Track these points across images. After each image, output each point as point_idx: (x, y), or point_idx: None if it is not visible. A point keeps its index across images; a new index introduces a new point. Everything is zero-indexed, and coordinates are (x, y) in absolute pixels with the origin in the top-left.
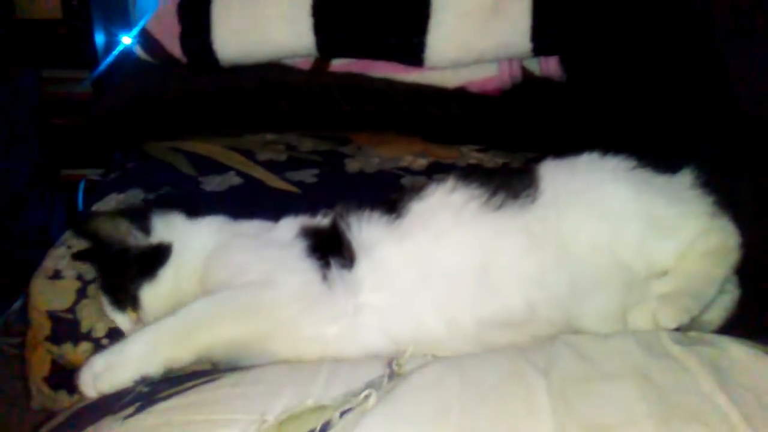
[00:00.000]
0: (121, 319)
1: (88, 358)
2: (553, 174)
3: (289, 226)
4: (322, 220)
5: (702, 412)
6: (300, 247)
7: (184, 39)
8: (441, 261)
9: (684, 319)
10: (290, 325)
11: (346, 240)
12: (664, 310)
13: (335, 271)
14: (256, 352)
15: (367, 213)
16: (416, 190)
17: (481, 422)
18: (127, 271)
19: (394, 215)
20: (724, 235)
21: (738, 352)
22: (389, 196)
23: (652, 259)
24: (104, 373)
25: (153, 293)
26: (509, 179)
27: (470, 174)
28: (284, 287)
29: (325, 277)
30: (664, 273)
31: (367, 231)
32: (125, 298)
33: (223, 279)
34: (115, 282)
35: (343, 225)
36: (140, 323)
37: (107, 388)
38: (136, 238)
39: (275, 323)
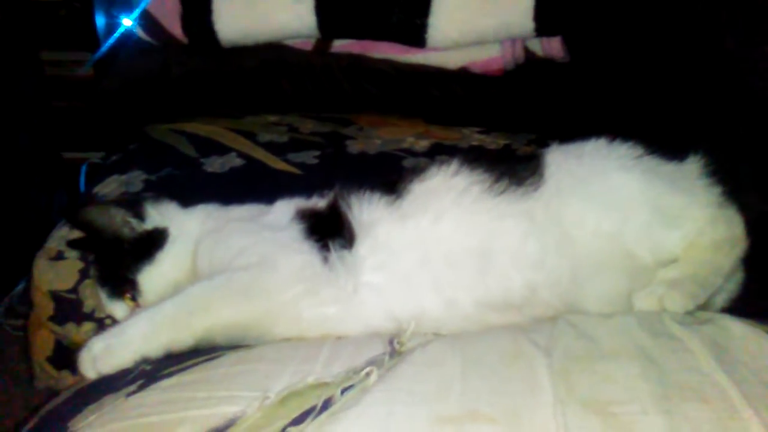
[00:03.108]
0: (119, 309)
1: (89, 338)
2: (559, 162)
3: (285, 209)
4: (318, 202)
5: (702, 391)
6: (297, 229)
7: (186, 20)
8: (441, 242)
9: (690, 305)
10: (291, 306)
11: (347, 220)
12: (671, 296)
13: (334, 252)
14: (256, 334)
15: (368, 193)
16: (418, 172)
17: (481, 400)
18: (125, 257)
19: (395, 196)
20: (731, 225)
21: (738, 330)
22: (391, 177)
23: (659, 248)
24: (104, 355)
25: (152, 276)
26: (514, 165)
27: (475, 158)
28: (285, 269)
29: (325, 259)
30: (672, 261)
31: (368, 211)
32: (124, 284)
33: (221, 263)
34: (113, 269)
35: (343, 205)
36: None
37: (107, 370)
38: (131, 226)
39: (277, 305)
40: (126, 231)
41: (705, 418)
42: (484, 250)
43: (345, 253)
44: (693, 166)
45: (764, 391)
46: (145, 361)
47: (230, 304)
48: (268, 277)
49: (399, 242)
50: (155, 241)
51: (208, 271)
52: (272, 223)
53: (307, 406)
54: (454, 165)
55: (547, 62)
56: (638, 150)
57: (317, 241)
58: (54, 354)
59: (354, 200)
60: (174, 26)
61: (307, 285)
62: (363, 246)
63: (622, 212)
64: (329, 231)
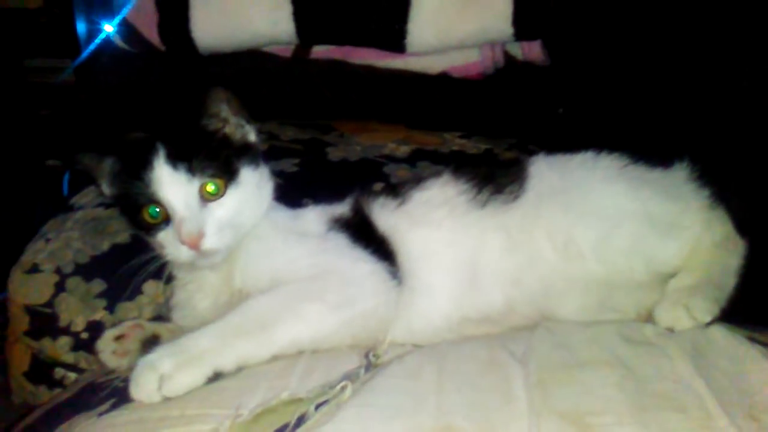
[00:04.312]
0: (179, 192)
1: (137, 361)
2: (542, 173)
3: (316, 217)
4: (344, 209)
5: (678, 399)
6: (343, 237)
7: (163, 28)
8: (444, 253)
9: (715, 309)
10: (371, 316)
11: (376, 228)
12: (695, 303)
13: (386, 260)
14: (327, 346)
15: (384, 199)
16: (418, 180)
17: (456, 413)
18: (229, 148)
19: (401, 201)
20: (726, 224)
21: (719, 335)
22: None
23: (654, 259)
24: (175, 373)
25: (248, 180)
26: (495, 175)
27: (461, 168)
28: (360, 279)
29: (385, 267)
30: (669, 272)
31: (385, 218)
32: (218, 169)
33: (269, 271)
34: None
35: (366, 211)
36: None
37: (177, 392)
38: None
39: (359, 318)
40: (233, 129)
41: (681, 429)
42: (472, 264)
43: (385, 263)
44: (680, 172)
45: (741, 399)
46: (218, 377)
47: (316, 316)
48: (347, 286)
49: (420, 251)
50: (257, 152)
51: (258, 278)
52: (311, 231)
53: (280, 423)
54: (446, 175)
55: (527, 66)
56: (623, 159)
57: (365, 248)
58: (30, 369)
59: (373, 206)
60: (151, 34)
61: (385, 293)
62: (400, 253)
63: (608, 225)
64: (368, 239)
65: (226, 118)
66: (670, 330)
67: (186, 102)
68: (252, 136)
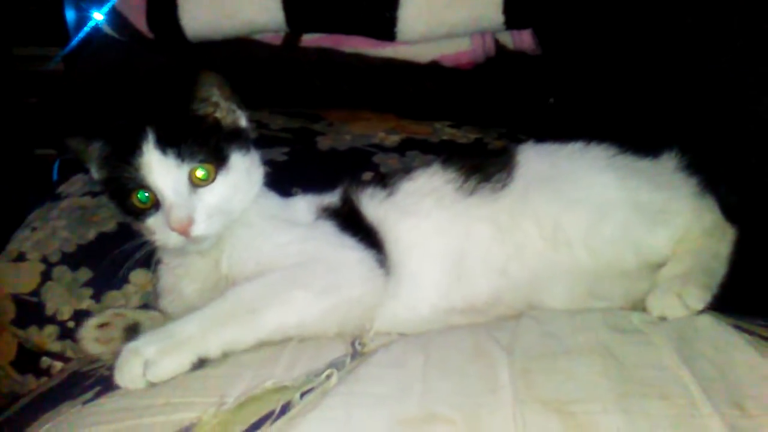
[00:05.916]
0: (171, 179)
1: (122, 346)
2: (530, 161)
3: (305, 206)
4: (333, 199)
5: (662, 387)
6: (331, 225)
7: (151, 15)
8: (431, 243)
9: (707, 296)
10: (356, 303)
11: (365, 217)
12: (688, 291)
13: (373, 248)
14: (310, 333)
15: (372, 189)
16: (407, 170)
17: (441, 401)
18: (220, 133)
19: (390, 192)
20: (715, 212)
21: (705, 323)
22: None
23: (644, 248)
24: (159, 359)
25: (240, 166)
26: (483, 163)
27: (451, 157)
28: (352, 267)
29: (372, 255)
30: (660, 260)
31: (374, 208)
32: (209, 155)
33: (256, 257)
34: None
35: (355, 201)
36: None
37: (161, 377)
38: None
39: (345, 305)
40: (224, 113)
41: (664, 416)
42: (460, 254)
43: (373, 251)
44: (669, 161)
45: (725, 387)
46: (203, 364)
47: (303, 300)
48: (333, 273)
49: (408, 240)
50: (247, 138)
51: (244, 263)
52: (300, 219)
53: (265, 411)
54: (435, 164)
55: (517, 55)
56: (611, 149)
57: (352, 236)
58: (17, 358)
59: (362, 196)
60: (139, 21)
61: (370, 281)
62: (388, 243)
63: (597, 213)
64: (357, 228)
65: (216, 102)
66: (663, 318)
67: (175, 88)
68: (243, 121)
